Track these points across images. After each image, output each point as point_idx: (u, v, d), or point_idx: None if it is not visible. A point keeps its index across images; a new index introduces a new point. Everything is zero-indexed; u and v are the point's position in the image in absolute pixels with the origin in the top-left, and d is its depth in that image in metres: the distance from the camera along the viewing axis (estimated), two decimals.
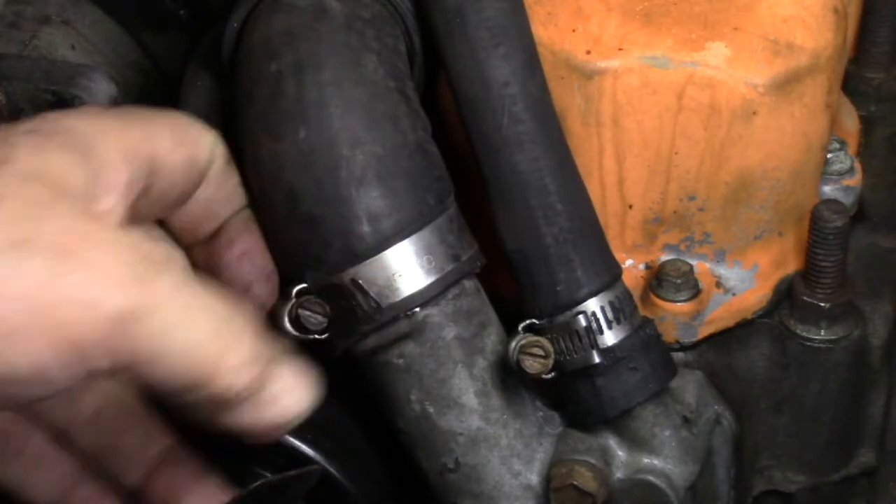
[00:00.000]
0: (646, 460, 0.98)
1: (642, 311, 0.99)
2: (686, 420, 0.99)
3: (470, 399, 0.96)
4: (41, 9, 1.16)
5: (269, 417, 0.77)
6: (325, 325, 0.91)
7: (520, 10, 0.95)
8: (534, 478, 0.98)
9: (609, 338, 0.94)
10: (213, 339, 0.72)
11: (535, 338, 0.93)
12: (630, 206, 1.01)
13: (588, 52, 0.98)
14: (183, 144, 0.82)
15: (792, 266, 1.05)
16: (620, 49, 0.98)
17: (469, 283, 0.96)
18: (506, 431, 0.97)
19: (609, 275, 0.95)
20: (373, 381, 0.98)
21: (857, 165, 1.10)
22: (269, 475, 1.09)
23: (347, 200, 0.90)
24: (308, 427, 1.10)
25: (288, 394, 0.77)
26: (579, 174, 0.96)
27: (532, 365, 0.93)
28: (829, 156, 1.08)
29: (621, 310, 0.95)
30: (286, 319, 0.91)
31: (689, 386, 1.02)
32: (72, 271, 0.68)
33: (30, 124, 0.75)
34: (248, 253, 0.92)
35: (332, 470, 1.09)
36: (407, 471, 1.01)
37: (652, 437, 0.97)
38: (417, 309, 0.93)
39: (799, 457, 1.08)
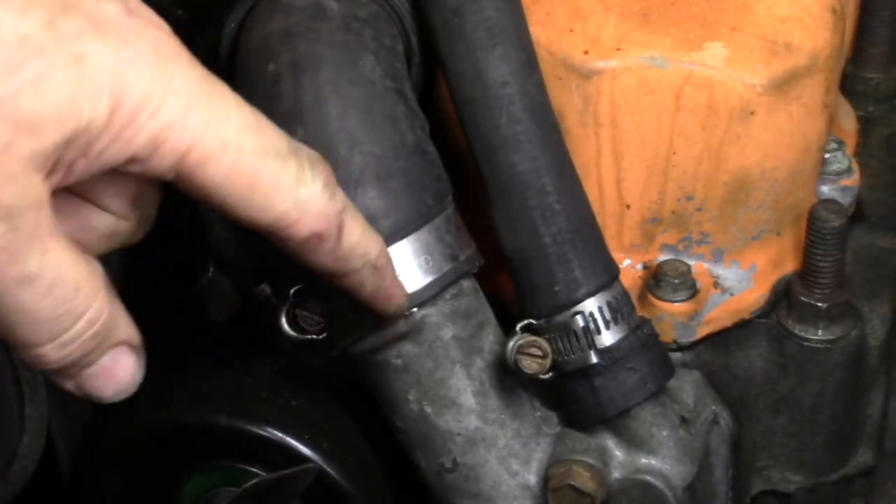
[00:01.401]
0: (644, 460, 0.98)
1: (640, 312, 0.99)
2: (684, 420, 0.99)
3: (468, 399, 0.96)
4: None
5: (90, 391, 0.76)
6: (322, 325, 0.92)
7: (518, 10, 0.95)
8: (532, 478, 0.98)
9: (607, 338, 0.94)
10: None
11: (533, 338, 0.93)
12: (628, 206, 1.01)
13: (586, 52, 0.98)
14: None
15: (790, 266, 1.05)
16: (618, 49, 0.98)
17: (467, 283, 0.96)
18: (504, 431, 0.97)
19: (607, 275, 0.95)
20: (371, 381, 0.98)
21: (855, 165, 1.10)
22: (265, 474, 1.09)
23: None
24: (306, 427, 1.10)
25: (105, 378, 0.76)
26: (577, 174, 0.96)
27: (530, 365, 0.93)
28: (826, 156, 1.08)
29: (619, 310, 0.95)
30: (284, 320, 0.91)
31: (686, 386, 1.02)
32: None
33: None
34: None
35: (329, 470, 1.09)
36: (405, 471, 1.01)
37: (650, 437, 0.97)
38: (415, 309, 0.93)
39: (797, 457, 1.08)
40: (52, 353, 0.72)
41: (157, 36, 0.71)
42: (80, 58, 0.68)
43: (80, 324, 0.72)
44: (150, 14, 0.72)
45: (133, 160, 0.70)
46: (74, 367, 0.74)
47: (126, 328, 0.75)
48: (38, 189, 0.68)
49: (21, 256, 0.68)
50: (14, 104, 0.66)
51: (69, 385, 0.75)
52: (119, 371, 0.76)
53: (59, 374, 0.74)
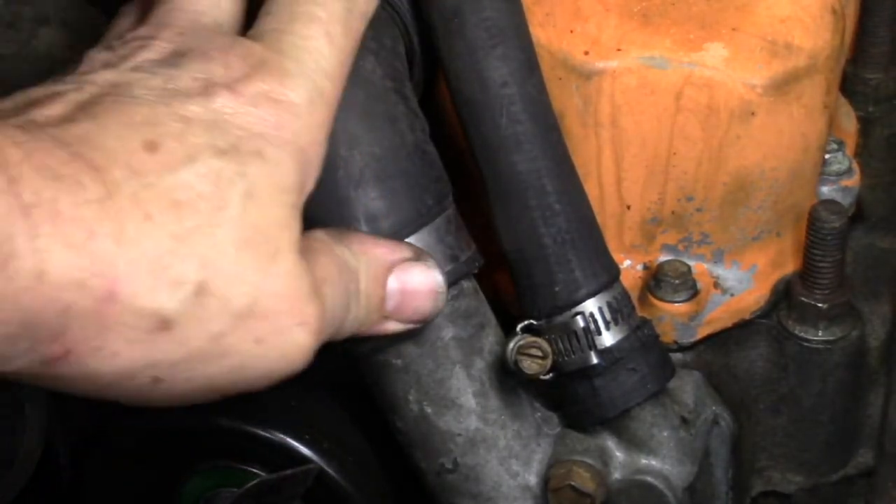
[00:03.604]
0: (644, 461, 0.98)
1: (640, 312, 0.99)
2: (684, 421, 0.99)
3: (468, 400, 0.96)
4: (40, 9, 1.16)
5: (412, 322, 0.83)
6: None
7: (518, 10, 0.95)
8: (532, 478, 0.98)
9: (607, 338, 0.94)
10: None
11: (533, 338, 0.93)
12: (628, 207, 1.01)
13: (586, 53, 0.98)
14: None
15: (790, 266, 1.05)
16: (619, 50, 0.98)
17: (467, 284, 0.96)
18: (504, 432, 0.97)
19: (607, 275, 0.95)
20: (371, 381, 0.98)
21: (855, 166, 1.10)
22: (265, 474, 1.09)
23: (345, 201, 0.90)
24: (306, 427, 1.10)
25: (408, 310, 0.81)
26: (577, 175, 0.96)
27: (530, 366, 0.93)
28: (827, 156, 1.08)
29: (619, 310, 0.95)
30: None
31: (687, 386, 1.02)
32: None
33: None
34: None
35: (329, 470, 1.09)
36: (405, 471, 1.01)
37: (650, 437, 0.97)
38: None
39: (797, 457, 1.08)
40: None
41: None
42: None
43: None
44: None
45: None
46: (369, 329, 0.78)
47: (383, 259, 0.79)
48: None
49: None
50: None
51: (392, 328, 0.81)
52: (415, 292, 0.80)
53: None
